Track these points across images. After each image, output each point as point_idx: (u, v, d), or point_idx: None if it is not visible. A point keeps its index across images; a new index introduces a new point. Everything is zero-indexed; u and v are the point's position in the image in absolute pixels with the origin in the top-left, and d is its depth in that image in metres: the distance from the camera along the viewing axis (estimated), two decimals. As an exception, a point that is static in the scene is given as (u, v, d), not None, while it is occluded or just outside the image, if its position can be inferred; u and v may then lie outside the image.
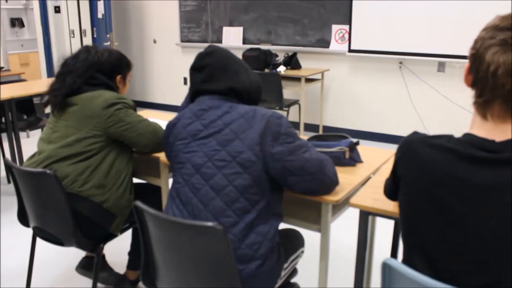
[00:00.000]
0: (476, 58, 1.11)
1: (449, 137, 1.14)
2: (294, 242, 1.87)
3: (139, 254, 2.39)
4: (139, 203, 1.50)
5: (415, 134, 1.22)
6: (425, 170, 1.13)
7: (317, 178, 1.61)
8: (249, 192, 1.51)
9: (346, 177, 1.84)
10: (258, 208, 1.52)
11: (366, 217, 1.62)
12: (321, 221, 1.75)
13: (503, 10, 4.52)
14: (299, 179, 1.58)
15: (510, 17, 1.10)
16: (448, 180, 1.09)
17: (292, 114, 5.89)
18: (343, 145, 1.92)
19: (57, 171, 2.00)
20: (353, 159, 1.96)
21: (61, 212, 1.98)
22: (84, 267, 2.51)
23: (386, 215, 1.56)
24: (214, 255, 1.39)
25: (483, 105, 1.12)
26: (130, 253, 2.46)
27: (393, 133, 5.46)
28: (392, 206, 1.54)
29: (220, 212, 1.49)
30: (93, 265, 2.41)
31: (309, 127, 5.93)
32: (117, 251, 2.77)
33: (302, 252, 1.93)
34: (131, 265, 2.45)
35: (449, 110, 5.05)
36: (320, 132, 5.75)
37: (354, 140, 1.97)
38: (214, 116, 1.63)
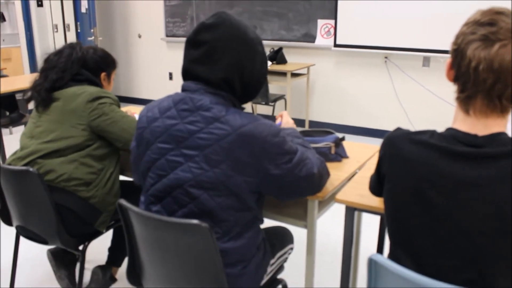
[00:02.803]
0: (458, 53, 1.11)
1: (432, 132, 1.14)
2: (281, 239, 1.86)
3: (120, 250, 2.41)
4: (123, 201, 1.48)
5: (398, 130, 1.22)
6: (408, 167, 1.14)
7: (311, 192, 1.58)
8: (234, 210, 1.43)
9: (332, 172, 1.84)
10: (243, 222, 1.46)
11: (352, 213, 1.62)
12: (307, 218, 1.75)
13: (489, 4, 4.56)
14: (292, 196, 1.54)
15: (491, 12, 1.10)
16: (432, 176, 1.09)
17: (278, 109, 5.88)
18: (329, 140, 1.92)
19: (41, 166, 1.98)
20: (339, 155, 1.96)
21: (44, 210, 1.96)
22: (55, 255, 2.42)
23: (371, 211, 1.56)
24: (200, 253, 1.38)
25: (465, 100, 1.12)
26: (110, 249, 2.44)
27: (379, 128, 5.49)
28: (377, 202, 1.54)
29: None
30: (65, 258, 2.39)
31: (295, 122, 5.89)
32: (96, 248, 2.74)
33: (291, 248, 1.92)
34: (111, 261, 2.43)
35: (434, 105, 5.09)
36: (306, 126, 5.76)
37: (340, 135, 1.97)
38: (202, 122, 1.40)
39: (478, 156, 1.06)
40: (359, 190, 1.66)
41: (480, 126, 1.10)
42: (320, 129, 2.04)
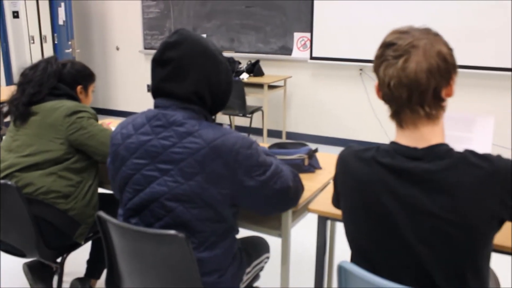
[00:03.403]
0: (376, 75, 1.20)
1: (377, 148, 1.22)
2: (257, 248, 1.91)
3: (99, 262, 2.43)
4: (102, 213, 1.52)
5: (348, 148, 1.30)
6: (358, 184, 1.22)
7: (286, 205, 1.63)
8: (210, 222, 1.47)
9: (306, 183, 1.90)
10: (218, 233, 1.51)
11: (324, 221, 1.69)
12: (282, 227, 1.81)
13: (463, 13, 4.74)
14: (268, 209, 1.59)
15: (394, 33, 1.18)
16: (379, 192, 1.17)
17: (256, 121, 5.95)
18: (302, 152, 1.99)
19: (20, 179, 2.00)
20: (312, 166, 2.03)
21: (23, 223, 1.97)
22: (31, 269, 2.40)
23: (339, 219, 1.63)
24: (177, 263, 1.43)
25: (395, 116, 1.21)
26: (89, 261, 2.46)
27: (355, 138, 5.60)
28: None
29: None
30: (42, 271, 2.39)
31: (272, 133, 6.01)
32: (75, 260, 2.75)
33: (268, 257, 1.97)
34: (90, 273, 2.44)
35: (407, 116, 5.20)
36: (284, 138, 5.84)
37: (313, 147, 2.05)
38: (176, 137, 1.44)
39: (419, 172, 1.13)
40: (330, 200, 1.73)
41: (417, 137, 1.18)
42: (293, 141, 2.11)
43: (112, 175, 1.61)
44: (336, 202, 1.47)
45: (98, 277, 2.46)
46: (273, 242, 2.35)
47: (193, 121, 1.47)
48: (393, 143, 1.21)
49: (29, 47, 6.45)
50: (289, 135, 5.97)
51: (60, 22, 6.61)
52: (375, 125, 5.44)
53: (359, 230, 1.23)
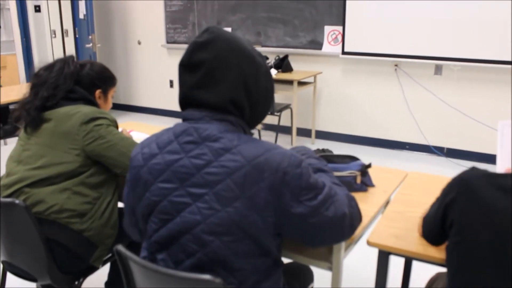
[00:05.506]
0: None
1: None
2: (302, 279, 1.66)
3: (118, 286, 2.18)
4: (121, 249, 1.26)
5: (474, 170, 1.00)
6: (489, 218, 0.92)
7: (340, 237, 1.31)
8: (252, 257, 1.21)
9: (359, 206, 1.61)
10: (261, 269, 1.24)
11: (386, 257, 1.40)
12: (333, 259, 1.52)
13: (502, 11, 4.40)
14: (317, 240, 1.29)
15: None
16: None
17: (284, 119, 5.67)
18: (354, 168, 1.71)
19: (29, 196, 1.77)
20: (365, 184, 1.75)
21: (33, 245, 1.74)
22: None
23: (412, 257, 1.34)
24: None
25: None
26: (107, 284, 2.21)
27: (388, 138, 5.27)
28: (415, 246, 1.32)
29: None
30: None
31: (301, 132, 5.72)
32: (92, 282, 2.51)
33: (312, 287, 1.72)
34: None
35: (447, 115, 4.87)
36: (313, 137, 5.54)
37: (366, 162, 1.76)
38: (210, 155, 1.20)
39: None
40: (392, 229, 1.45)
41: None
42: (341, 154, 1.82)
43: (131, 205, 1.35)
44: (435, 236, 1.17)
45: (118, 301, 2.22)
46: (319, 272, 2.05)
47: (230, 135, 1.22)
48: None
49: (50, 42, 6.29)
50: (319, 133, 5.67)
51: (81, 16, 6.42)
52: (411, 124, 5.10)
53: (478, 278, 0.93)
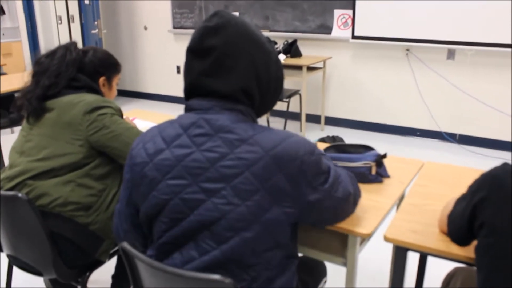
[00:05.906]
0: None
1: None
2: (315, 274, 1.61)
3: (125, 278, 2.12)
4: (127, 246, 1.20)
5: (506, 166, 0.92)
6: None
7: (346, 215, 1.39)
8: (268, 252, 1.16)
9: (374, 199, 1.55)
10: (274, 264, 1.18)
11: (403, 254, 1.34)
12: (347, 254, 1.46)
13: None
14: (329, 222, 1.36)
15: None
16: None
17: (293, 105, 5.58)
18: (368, 159, 1.63)
19: (33, 189, 1.71)
20: (380, 174, 1.68)
21: (37, 239, 1.69)
22: (53, 282, 2.14)
23: (430, 253, 1.27)
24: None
25: None
26: (114, 277, 2.16)
27: (399, 124, 5.18)
28: (434, 241, 1.26)
29: (232, 277, 1.12)
30: (64, 285, 2.12)
31: (310, 118, 5.63)
32: (99, 275, 2.46)
33: (325, 282, 1.69)
34: None
35: (460, 100, 4.76)
36: (322, 123, 5.46)
37: (381, 152, 1.68)
38: (225, 147, 1.13)
39: None
40: (410, 224, 1.38)
41: None
42: (355, 143, 1.75)
43: (134, 206, 1.28)
44: (463, 235, 1.10)
45: (125, 294, 2.17)
46: (332, 268, 1.99)
47: (244, 125, 1.16)
48: None
49: (56, 28, 6.22)
50: (328, 120, 5.58)
51: (86, 1, 6.34)
52: (423, 110, 5.00)
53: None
